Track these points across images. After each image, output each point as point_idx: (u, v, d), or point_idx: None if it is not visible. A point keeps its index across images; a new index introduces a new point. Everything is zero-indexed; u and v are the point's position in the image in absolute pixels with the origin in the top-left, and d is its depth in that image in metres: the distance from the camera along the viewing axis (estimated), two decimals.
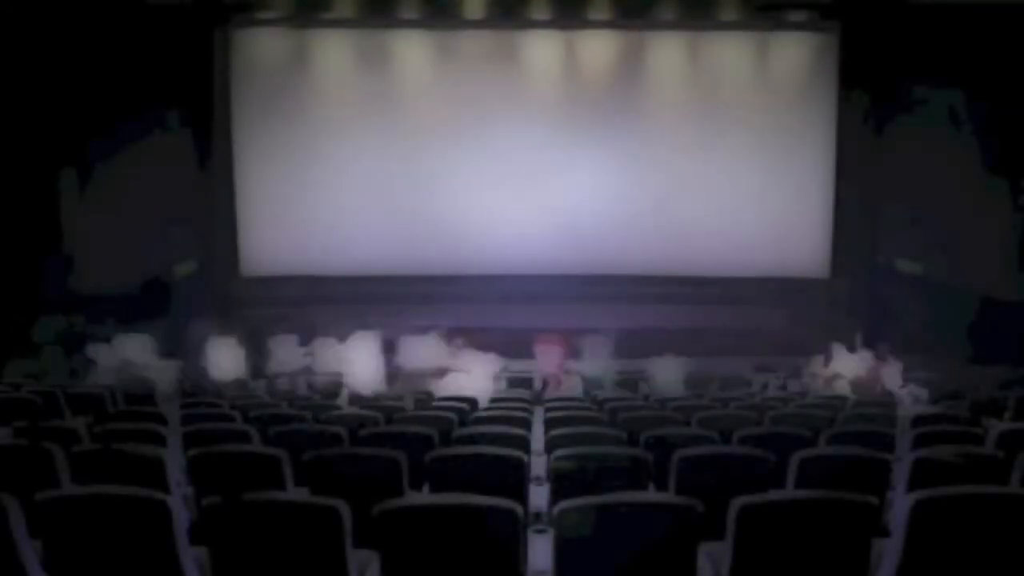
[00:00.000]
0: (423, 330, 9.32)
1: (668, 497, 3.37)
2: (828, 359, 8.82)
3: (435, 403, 6.78)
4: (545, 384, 8.85)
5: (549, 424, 5.72)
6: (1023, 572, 2.24)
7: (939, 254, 10.60)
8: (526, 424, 5.81)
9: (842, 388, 7.89)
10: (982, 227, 10.09)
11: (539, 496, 4.04)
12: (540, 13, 12.06)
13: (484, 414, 5.94)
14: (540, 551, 3.08)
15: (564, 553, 2.85)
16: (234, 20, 11.90)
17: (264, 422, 5.01)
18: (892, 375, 7.91)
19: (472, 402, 6.55)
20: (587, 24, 12.17)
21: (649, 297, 11.72)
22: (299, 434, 4.67)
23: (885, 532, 3.00)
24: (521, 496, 3.63)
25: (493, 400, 7.03)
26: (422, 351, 9.09)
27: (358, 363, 8.59)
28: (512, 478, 3.80)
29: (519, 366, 9.70)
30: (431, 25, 12.10)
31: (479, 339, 10.62)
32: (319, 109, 12.04)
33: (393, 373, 8.74)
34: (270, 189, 12.10)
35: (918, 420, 5.23)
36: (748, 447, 4.16)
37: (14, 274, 8.85)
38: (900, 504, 2.97)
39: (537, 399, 7.66)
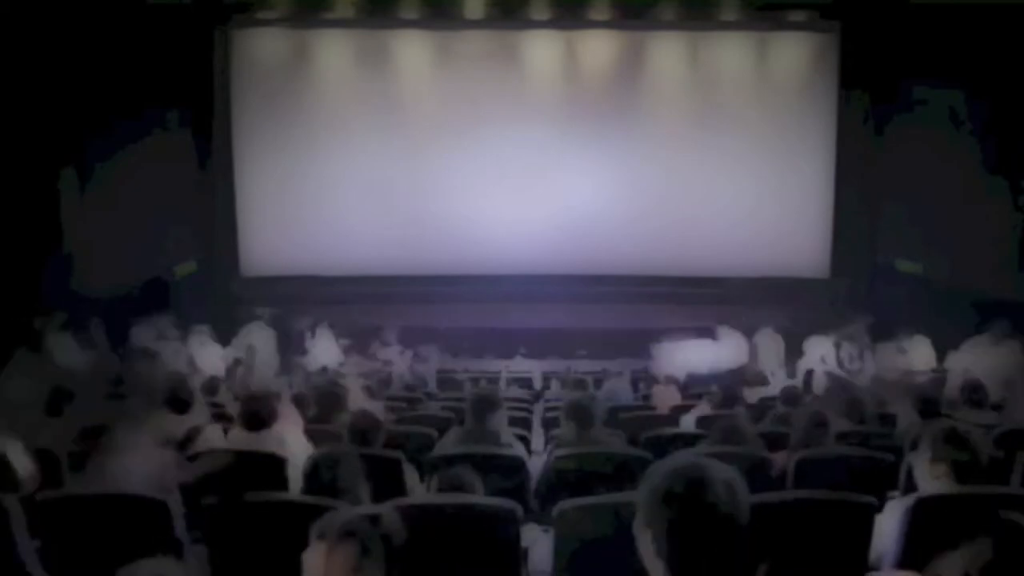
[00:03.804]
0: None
1: None
2: None
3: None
4: None
5: (549, 424, 5.72)
6: (1022, 572, 2.23)
7: (939, 254, 10.59)
8: (526, 424, 5.81)
9: None
10: (982, 227, 10.09)
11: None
12: (540, 13, 12.05)
13: None
14: (540, 551, 3.08)
15: (564, 553, 2.85)
16: (234, 20, 11.88)
17: None
18: None
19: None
20: (587, 24, 12.15)
21: (649, 297, 11.71)
22: None
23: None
24: (521, 496, 3.63)
25: None
26: None
27: None
28: (512, 478, 3.80)
29: (520, 366, 9.72)
30: (431, 25, 12.09)
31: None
32: (319, 109, 12.02)
33: None
34: (270, 189, 12.09)
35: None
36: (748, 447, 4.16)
37: (14, 274, 8.83)
38: (900, 504, 2.97)
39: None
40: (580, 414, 4.17)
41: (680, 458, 1.72)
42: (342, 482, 2.94)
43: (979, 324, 8.62)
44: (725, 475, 1.66)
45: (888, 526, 2.93)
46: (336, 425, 4.58)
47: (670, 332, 9.23)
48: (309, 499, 2.93)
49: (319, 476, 2.99)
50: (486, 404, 4.30)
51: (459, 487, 3.11)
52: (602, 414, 4.78)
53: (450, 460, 3.78)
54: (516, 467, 3.98)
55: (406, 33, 12.16)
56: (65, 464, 3.84)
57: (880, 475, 3.72)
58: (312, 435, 4.36)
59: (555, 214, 11.83)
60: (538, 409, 6.63)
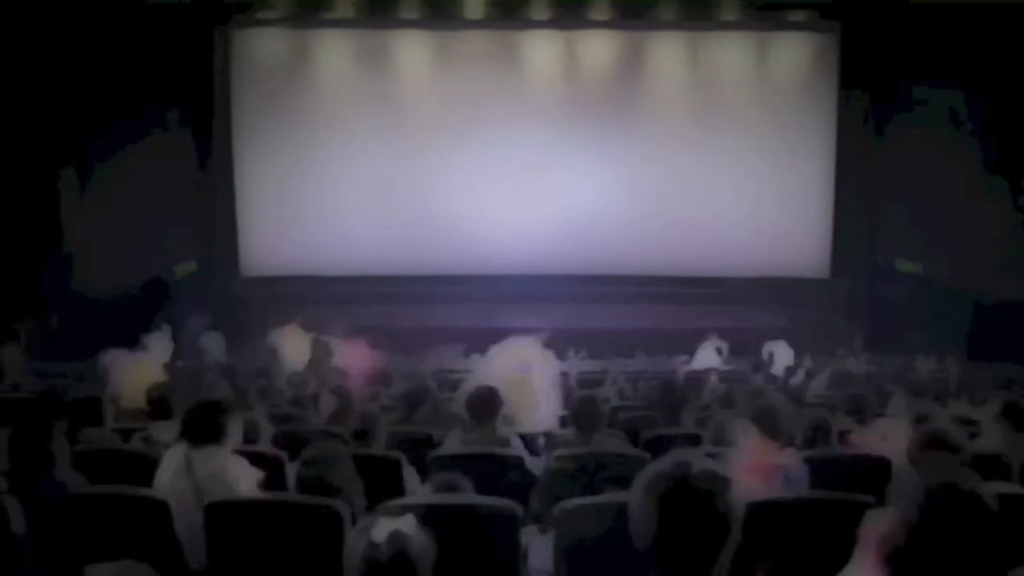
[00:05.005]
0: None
1: None
2: None
3: None
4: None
5: None
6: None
7: (939, 254, 10.60)
8: None
9: None
10: (982, 227, 10.09)
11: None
12: (540, 13, 12.06)
13: None
14: (540, 551, 3.07)
15: (564, 553, 2.85)
16: (234, 20, 11.89)
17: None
18: None
19: None
20: (587, 24, 12.17)
21: (649, 297, 11.72)
22: (300, 434, 4.66)
23: None
24: (521, 496, 3.62)
25: None
26: None
27: None
28: (512, 478, 3.80)
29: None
30: (431, 25, 12.10)
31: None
32: (319, 109, 12.03)
33: None
34: (270, 189, 12.10)
35: None
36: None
37: (14, 274, 8.85)
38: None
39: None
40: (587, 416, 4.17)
41: (670, 457, 1.75)
42: (336, 482, 2.93)
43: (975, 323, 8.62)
44: (712, 472, 1.68)
45: None
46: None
47: None
48: (307, 499, 2.92)
49: (312, 476, 2.98)
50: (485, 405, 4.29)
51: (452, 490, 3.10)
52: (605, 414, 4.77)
53: (451, 460, 3.78)
54: (516, 467, 3.98)
55: (406, 33, 12.17)
56: None
57: (880, 475, 3.71)
58: None
59: (555, 214, 11.83)
60: None
